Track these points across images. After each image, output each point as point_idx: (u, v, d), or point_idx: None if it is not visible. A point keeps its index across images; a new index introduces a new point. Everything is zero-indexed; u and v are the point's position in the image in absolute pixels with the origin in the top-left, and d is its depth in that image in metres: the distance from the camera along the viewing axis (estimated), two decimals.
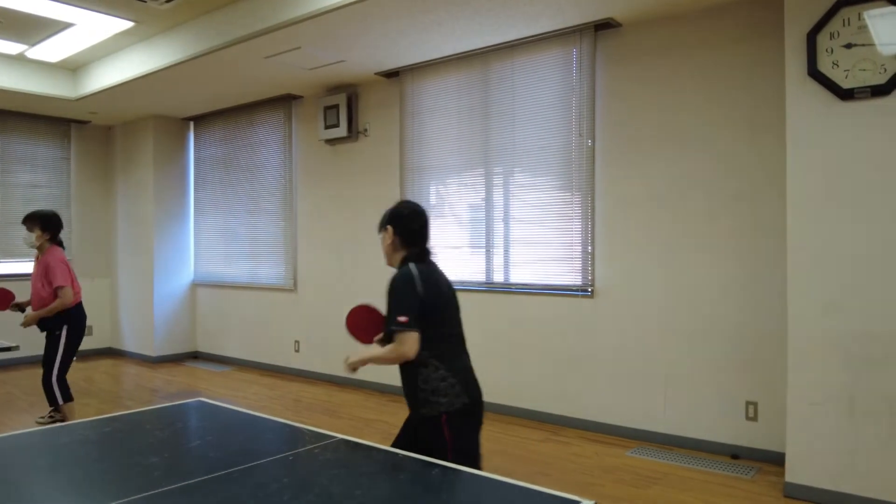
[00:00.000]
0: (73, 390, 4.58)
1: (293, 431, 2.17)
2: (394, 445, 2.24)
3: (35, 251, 4.48)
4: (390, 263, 2.52)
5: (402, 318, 2.28)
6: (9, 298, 4.49)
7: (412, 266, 2.40)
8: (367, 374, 6.02)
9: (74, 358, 4.55)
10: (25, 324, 4.37)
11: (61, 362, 4.42)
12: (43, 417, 4.81)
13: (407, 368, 2.39)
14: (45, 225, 4.41)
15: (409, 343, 2.28)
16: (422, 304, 2.33)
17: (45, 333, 4.44)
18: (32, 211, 4.50)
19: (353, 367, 2.43)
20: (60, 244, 4.50)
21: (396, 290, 2.35)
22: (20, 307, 4.55)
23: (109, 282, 8.28)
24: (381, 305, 2.47)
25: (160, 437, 2.08)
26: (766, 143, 3.97)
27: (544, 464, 4.01)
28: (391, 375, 5.81)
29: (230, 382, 6.50)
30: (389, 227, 2.48)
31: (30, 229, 4.39)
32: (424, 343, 2.32)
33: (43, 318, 4.38)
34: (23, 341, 4.76)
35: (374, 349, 2.46)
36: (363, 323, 2.60)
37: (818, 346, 3.39)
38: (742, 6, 4.05)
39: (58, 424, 2.19)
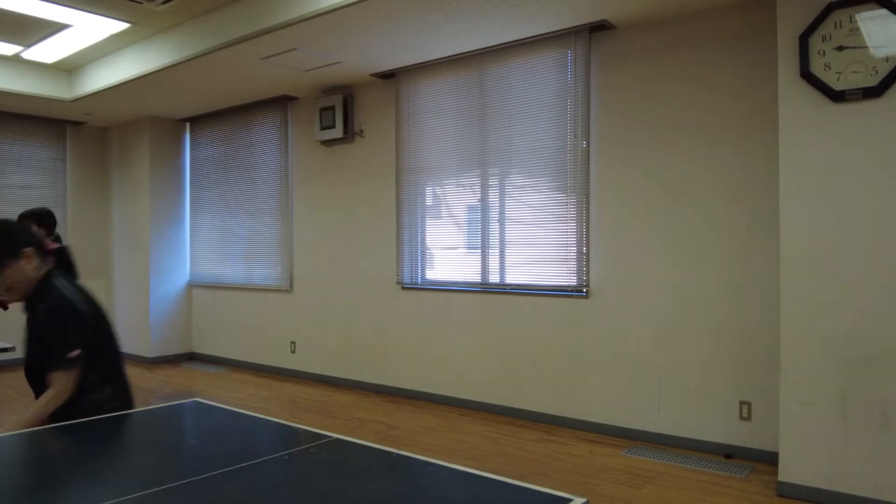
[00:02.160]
0: None
1: (288, 431, 2.18)
2: None
3: None
4: (25, 297, 2.17)
5: (74, 353, 2.06)
6: None
7: (61, 286, 2.14)
8: (366, 374, 6.03)
9: None
10: None
11: None
12: None
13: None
14: (41, 221, 4.49)
15: (74, 379, 2.06)
16: (88, 328, 2.12)
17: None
18: (24, 211, 4.54)
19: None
20: (58, 239, 4.59)
21: (60, 319, 2.08)
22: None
23: (105, 283, 8.27)
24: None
25: (156, 436, 2.08)
26: (759, 144, 4.00)
27: (539, 463, 4.02)
28: (390, 375, 5.81)
29: (226, 383, 6.50)
30: (30, 249, 2.12)
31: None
32: (93, 365, 2.14)
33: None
34: (19, 342, 4.76)
35: (29, 414, 2.11)
36: None
37: (811, 346, 3.41)
38: (735, 9, 4.08)
39: (53, 424, 2.20)
